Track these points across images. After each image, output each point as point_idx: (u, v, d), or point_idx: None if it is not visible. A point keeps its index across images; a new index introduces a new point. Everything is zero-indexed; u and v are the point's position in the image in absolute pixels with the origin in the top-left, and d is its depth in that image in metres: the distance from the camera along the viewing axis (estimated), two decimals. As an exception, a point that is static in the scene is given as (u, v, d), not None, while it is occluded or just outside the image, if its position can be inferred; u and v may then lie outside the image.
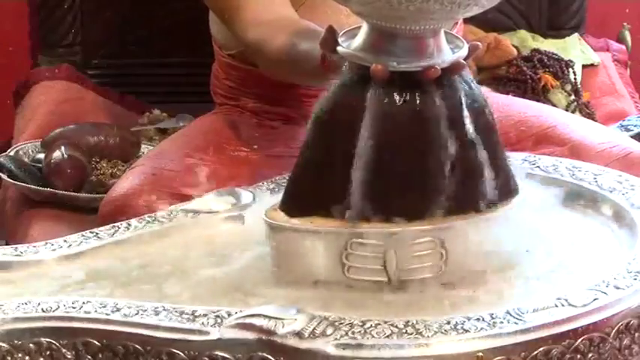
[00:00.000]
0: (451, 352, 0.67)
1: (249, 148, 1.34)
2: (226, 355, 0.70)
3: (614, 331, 0.72)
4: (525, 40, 2.01)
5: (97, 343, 0.74)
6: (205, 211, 0.97)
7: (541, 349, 0.69)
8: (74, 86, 1.96)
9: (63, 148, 1.54)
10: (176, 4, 1.96)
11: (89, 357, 0.74)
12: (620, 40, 2.14)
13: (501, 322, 0.70)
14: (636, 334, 0.74)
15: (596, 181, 1.00)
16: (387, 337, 0.69)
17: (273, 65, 1.22)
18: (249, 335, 0.69)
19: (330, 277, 0.79)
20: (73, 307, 0.78)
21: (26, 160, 1.64)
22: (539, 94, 1.83)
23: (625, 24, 2.18)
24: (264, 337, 0.69)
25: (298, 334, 0.69)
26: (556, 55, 1.92)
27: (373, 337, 0.69)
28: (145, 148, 1.69)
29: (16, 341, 0.75)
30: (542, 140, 1.31)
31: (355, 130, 0.80)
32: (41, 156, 1.61)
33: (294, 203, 0.84)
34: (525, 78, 1.86)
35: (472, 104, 0.83)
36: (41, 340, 0.74)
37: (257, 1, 1.23)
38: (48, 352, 0.75)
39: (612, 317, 0.72)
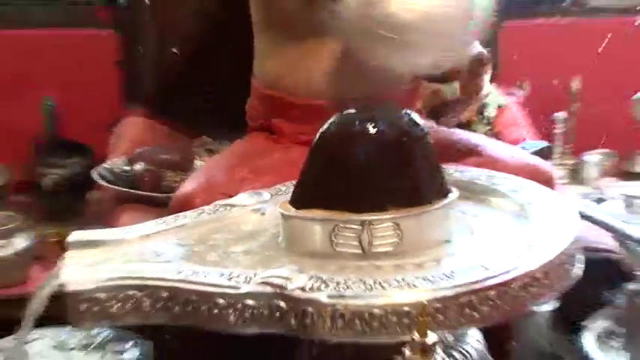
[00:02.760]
0: (405, 300, 0.63)
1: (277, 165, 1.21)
2: (252, 303, 0.66)
3: (514, 285, 0.67)
4: (456, 89, 1.94)
5: (166, 294, 0.69)
6: (238, 205, 0.91)
7: (465, 298, 0.65)
8: (149, 121, 1.85)
9: (143, 163, 1.48)
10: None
11: (160, 304, 0.69)
12: (520, 88, 2.06)
13: (440, 280, 0.66)
14: (529, 288, 0.69)
15: (508, 187, 0.94)
16: (362, 290, 0.65)
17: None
18: (268, 289, 0.65)
19: (324, 250, 0.75)
20: (150, 270, 0.73)
21: (118, 170, 1.54)
22: (465, 126, 1.71)
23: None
24: (278, 291, 0.65)
25: (302, 288, 0.65)
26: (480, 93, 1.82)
27: (353, 290, 0.65)
28: (198, 163, 1.59)
29: (111, 293, 0.70)
30: (472, 155, 1.24)
31: (341, 148, 0.76)
32: (128, 168, 1.53)
33: (299, 199, 0.80)
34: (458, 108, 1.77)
35: (416, 132, 0.78)
36: (128, 292, 0.69)
37: None
38: (133, 300, 0.70)
39: (514, 278, 0.67)
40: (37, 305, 0.67)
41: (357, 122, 0.75)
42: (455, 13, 0.90)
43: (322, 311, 0.63)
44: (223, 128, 1.59)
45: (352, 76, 1.13)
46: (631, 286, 1.10)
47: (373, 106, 0.80)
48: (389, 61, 0.93)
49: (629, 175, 1.85)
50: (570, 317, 1.18)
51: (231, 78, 1.43)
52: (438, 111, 1.63)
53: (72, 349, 1.03)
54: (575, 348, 1.21)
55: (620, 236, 1.13)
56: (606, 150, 1.90)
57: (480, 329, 0.86)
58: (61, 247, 0.80)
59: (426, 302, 0.59)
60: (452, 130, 1.39)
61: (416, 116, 0.79)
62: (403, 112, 0.78)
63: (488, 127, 1.70)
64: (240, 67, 1.38)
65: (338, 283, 0.64)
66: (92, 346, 0.98)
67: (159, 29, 1.70)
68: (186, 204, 1.03)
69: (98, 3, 1.79)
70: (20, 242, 1.27)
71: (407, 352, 0.59)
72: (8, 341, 0.91)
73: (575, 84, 1.88)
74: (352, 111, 0.78)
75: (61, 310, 0.67)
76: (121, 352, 1.07)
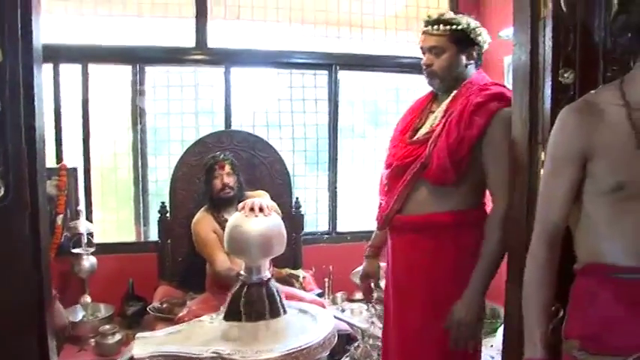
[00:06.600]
0: (276, 355, 1.36)
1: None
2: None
3: (313, 346, 1.42)
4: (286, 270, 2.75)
5: (171, 357, 1.33)
6: (204, 320, 1.58)
7: (294, 353, 1.39)
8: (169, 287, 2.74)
9: (166, 303, 2.47)
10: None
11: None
12: (311, 270, 2.93)
13: (283, 347, 1.40)
14: (319, 349, 1.44)
15: (308, 308, 1.70)
16: (253, 353, 1.38)
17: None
18: (215, 355, 1.34)
19: (235, 337, 1.43)
20: (166, 348, 1.35)
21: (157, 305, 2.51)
22: (290, 285, 2.61)
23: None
24: (218, 355, 1.34)
25: (227, 354, 1.36)
26: (294, 274, 2.73)
27: (248, 355, 1.37)
28: (188, 303, 2.38)
29: (151, 357, 1.33)
30: (294, 297, 2.10)
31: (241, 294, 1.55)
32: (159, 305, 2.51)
33: (225, 317, 1.52)
34: (289, 280, 2.62)
35: (273, 288, 1.56)
36: (158, 357, 1.36)
37: None
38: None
39: (314, 344, 1.42)
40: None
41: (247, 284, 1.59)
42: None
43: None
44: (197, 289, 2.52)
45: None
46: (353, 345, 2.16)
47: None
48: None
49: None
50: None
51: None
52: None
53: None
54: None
55: (348, 324, 2.19)
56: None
57: None
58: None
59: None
60: (284, 286, 2.31)
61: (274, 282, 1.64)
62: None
63: (299, 285, 2.67)
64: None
65: (243, 352, 1.40)
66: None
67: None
68: (182, 320, 1.88)
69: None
70: (117, 337, 2.57)
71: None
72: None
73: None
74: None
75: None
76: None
